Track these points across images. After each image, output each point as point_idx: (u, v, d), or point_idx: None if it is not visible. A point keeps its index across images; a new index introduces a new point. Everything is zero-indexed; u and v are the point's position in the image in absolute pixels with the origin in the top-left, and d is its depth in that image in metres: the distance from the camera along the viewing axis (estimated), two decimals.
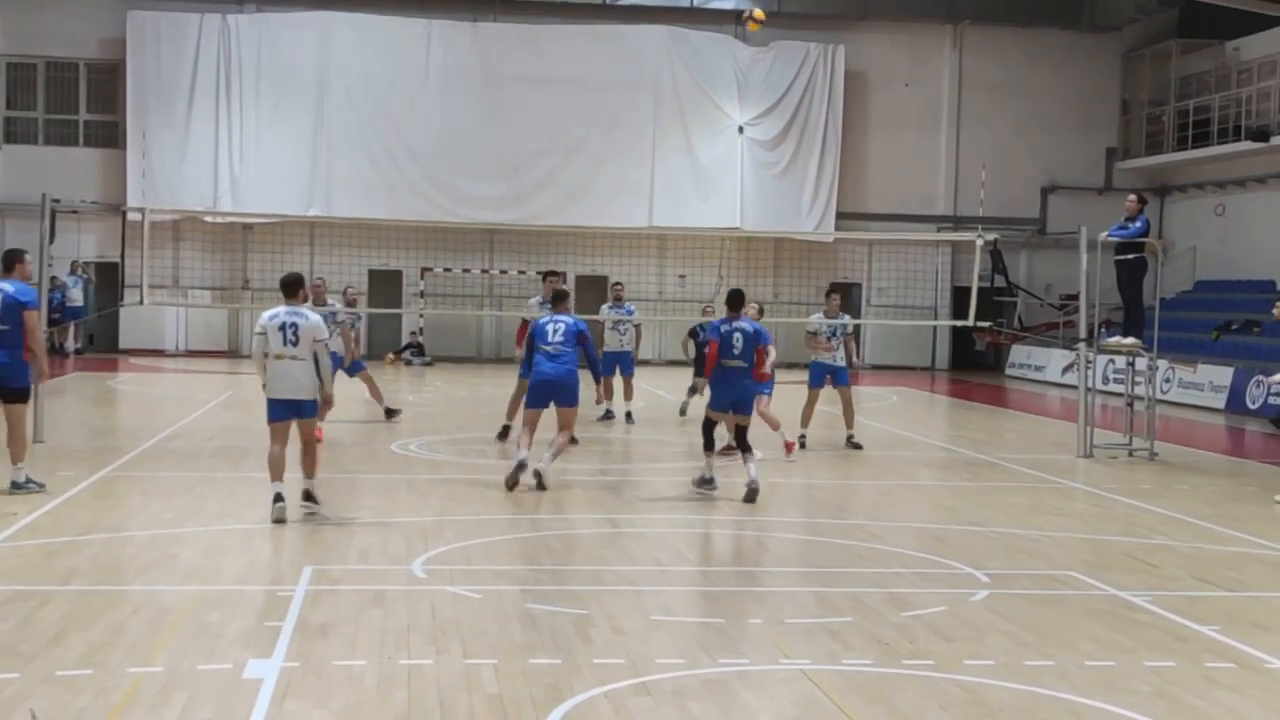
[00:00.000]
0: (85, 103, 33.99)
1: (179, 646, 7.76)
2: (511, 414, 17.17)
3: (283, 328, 11.57)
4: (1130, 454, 17.85)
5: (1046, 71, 35.95)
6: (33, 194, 19.72)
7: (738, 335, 13.32)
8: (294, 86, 33.37)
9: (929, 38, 36.02)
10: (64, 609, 8.50)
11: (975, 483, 15.54)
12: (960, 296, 32.29)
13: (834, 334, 17.82)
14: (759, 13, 19.90)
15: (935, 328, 35.16)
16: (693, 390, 17.41)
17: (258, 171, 33.12)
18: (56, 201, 17.28)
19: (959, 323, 24.99)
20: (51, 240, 16.95)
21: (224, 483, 13.81)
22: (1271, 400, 23.61)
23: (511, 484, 13.41)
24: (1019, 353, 34.49)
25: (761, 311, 17.29)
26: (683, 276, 34.64)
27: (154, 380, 27.60)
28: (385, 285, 33.33)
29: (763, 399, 15.83)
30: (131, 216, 22.31)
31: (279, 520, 11.40)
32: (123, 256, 20.87)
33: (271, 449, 11.67)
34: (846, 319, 18.38)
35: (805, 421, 17.57)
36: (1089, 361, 18.50)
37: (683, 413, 20.34)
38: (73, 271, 32.34)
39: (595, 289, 30.65)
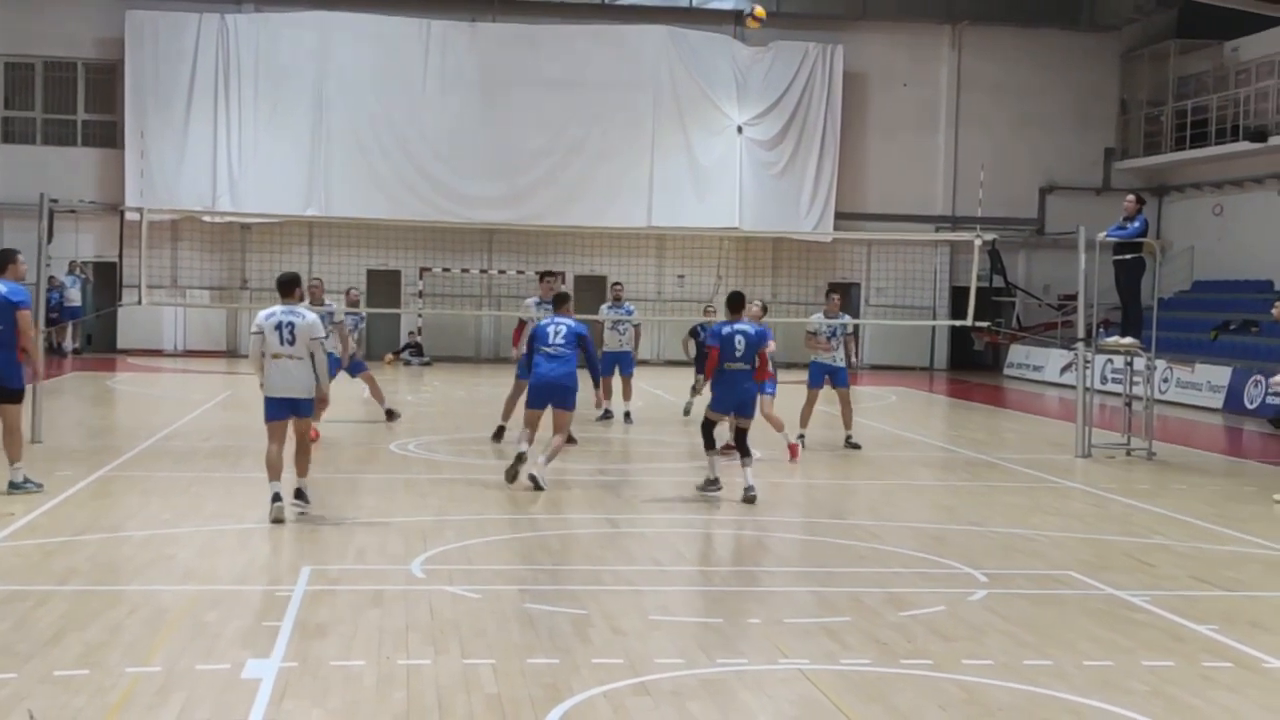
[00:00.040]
0: (83, 102, 33.99)
1: (177, 646, 7.76)
2: (507, 415, 17.18)
3: (279, 327, 11.57)
4: (1128, 454, 17.86)
5: (1045, 72, 35.97)
6: (31, 194, 19.71)
7: (739, 337, 13.30)
8: (292, 86, 33.37)
9: (928, 38, 36.04)
10: (62, 609, 8.50)
11: (974, 482, 15.54)
12: (959, 296, 32.30)
13: (834, 334, 17.81)
14: (760, 10, 19.87)
15: (934, 328, 35.18)
16: (695, 390, 17.45)
17: (256, 171, 33.12)
18: (54, 201, 17.26)
19: (957, 323, 24.98)
20: (50, 240, 16.94)
21: (222, 482, 13.80)
22: (1270, 400, 23.62)
23: (511, 476, 13.45)
24: (1017, 353, 34.51)
25: (765, 310, 17.30)
26: (681, 276, 34.63)
27: (152, 380, 27.59)
28: (384, 285, 33.33)
29: (767, 400, 15.83)
30: (130, 216, 22.29)
31: (277, 520, 11.40)
32: (121, 256, 20.80)
33: (269, 448, 11.67)
34: (846, 319, 18.38)
35: (804, 421, 17.57)
36: (1087, 361, 18.50)
37: (686, 412, 20.35)
38: (71, 271, 32.34)
39: (594, 289, 30.66)
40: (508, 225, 31.75)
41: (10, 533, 10.84)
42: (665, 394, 24.31)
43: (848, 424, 18.01)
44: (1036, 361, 33.27)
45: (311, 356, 11.60)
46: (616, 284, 22.09)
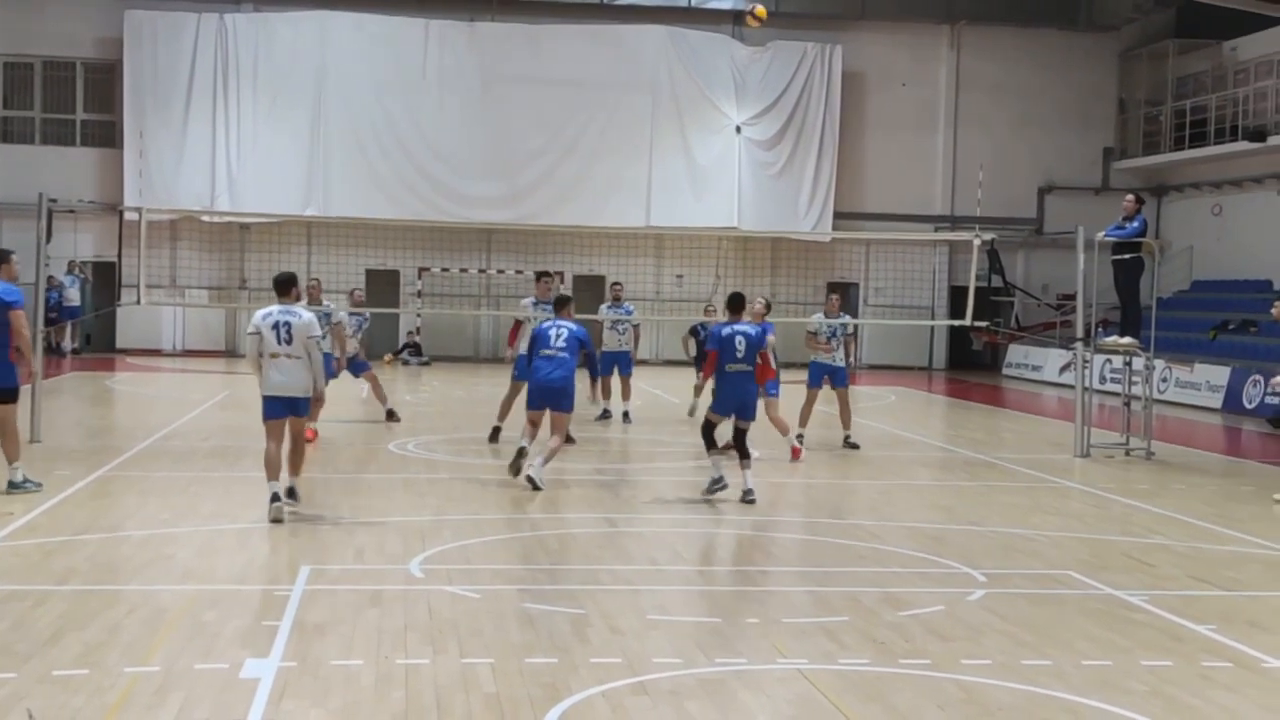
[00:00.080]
0: (82, 102, 33.99)
1: (176, 646, 7.75)
2: (503, 416, 17.18)
3: (276, 326, 11.58)
4: (1127, 453, 17.86)
5: (1044, 71, 35.97)
6: (29, 194, 19.69)
7: (740, 339, 13.25)
8: (291, 86, 33.36)
9: (926, 38, 36.04)
10: (60, 608, 8.49)
11: (972, 482, 15.54)
12: (957, 296, 32.28)
13: (833, 334, 17.81)
14: (761, 10, 19.81)
15: (932, 327, 35.18)
16: (698, 389, 17.43)
17: (255, 171, 33.11)
18: (53, 201, 17.26)
19: (956, 322, 24.96)
20: (48, 240, 16.92)
21: (220, 482, 13.80)
22: (1269, 400, 23.63)
23: (515, 470, 13.51)
24: (1016, 352, 34.51)
25: (769, 307, 17.25)
26: (680, 276, 34.63)
27: (151, 380, 27.59)
28: (382, 285, 33.30)
29: (773, 402, 15.81)
30: (129, 216, 22.30)
31: (276, 520, 11.40)
32: (120, 256, 20.82)
33: (268, 448, 11.68)
34: (846, 319, 18.38)
35: (803, 421, 17.57)
36: (1086, 361, 18.50)
37: (691, 413, 20.29)
38: (70, 271, 32.33)
39: (593, 289, 30.65)
40: (506, 225, 31.76)
41: (9, 532, 10.84)
42: (664, 394, 24.31)
43: (846, 424, 18.01)
44: (1035, 361, 33.28)
45: (308, 355, 11.61)
46: (616, 284, 22.08)
